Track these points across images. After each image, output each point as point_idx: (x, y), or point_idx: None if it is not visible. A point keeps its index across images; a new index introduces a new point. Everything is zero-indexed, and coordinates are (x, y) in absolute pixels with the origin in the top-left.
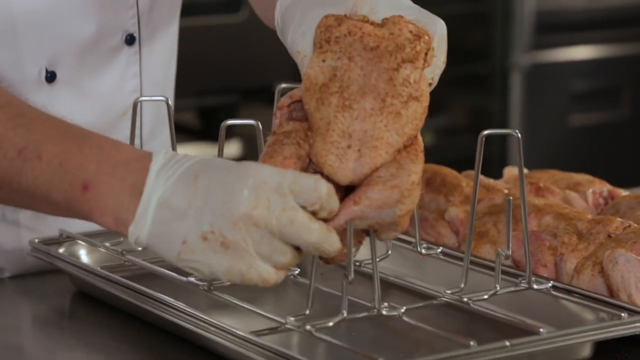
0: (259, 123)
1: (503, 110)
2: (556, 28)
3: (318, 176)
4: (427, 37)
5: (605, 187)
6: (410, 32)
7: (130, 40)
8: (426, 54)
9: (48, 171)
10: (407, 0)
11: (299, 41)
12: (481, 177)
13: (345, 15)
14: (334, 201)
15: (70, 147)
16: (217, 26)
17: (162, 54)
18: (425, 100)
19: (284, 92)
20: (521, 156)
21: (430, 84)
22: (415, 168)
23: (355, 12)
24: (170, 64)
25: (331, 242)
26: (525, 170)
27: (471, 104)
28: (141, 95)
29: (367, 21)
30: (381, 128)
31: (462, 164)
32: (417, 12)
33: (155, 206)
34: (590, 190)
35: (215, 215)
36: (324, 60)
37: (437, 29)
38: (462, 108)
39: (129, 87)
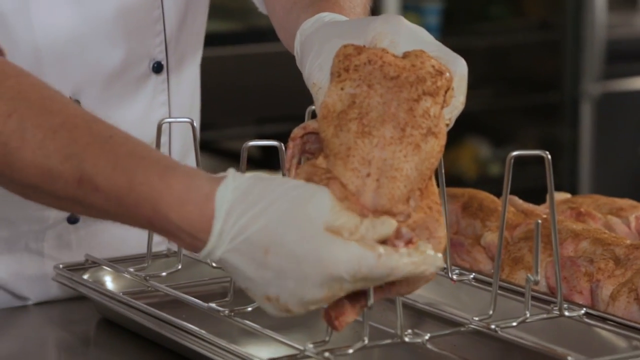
0: (282, 144)
1: (573, 140)
2: (627, 57)
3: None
4: (448, 75)
5: None
6: (433, 66)
7: (157, 68)
8: (446, 91)
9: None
10: (429, 36)
11: (315, 73)
12: (520, 201)
13: (364, 46)
14: None
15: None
16: (278, 53)
17: (189, 82)
18: (443, 139)
19: (314, 114)
20: (551, 178)
21: (447, 125)
22: (442, 231)
23: (374, 45)
24: (195, 92)
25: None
26: (568, 195)
27: (541, 133)
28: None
29: (387, 53)
30: (400, 158)
31: (533, 194)
32: (438, 49)
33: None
34: (634, 216)
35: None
36: (342, 88)
37: (458, 69)
38: (532, 137)
39: (156, 116)
